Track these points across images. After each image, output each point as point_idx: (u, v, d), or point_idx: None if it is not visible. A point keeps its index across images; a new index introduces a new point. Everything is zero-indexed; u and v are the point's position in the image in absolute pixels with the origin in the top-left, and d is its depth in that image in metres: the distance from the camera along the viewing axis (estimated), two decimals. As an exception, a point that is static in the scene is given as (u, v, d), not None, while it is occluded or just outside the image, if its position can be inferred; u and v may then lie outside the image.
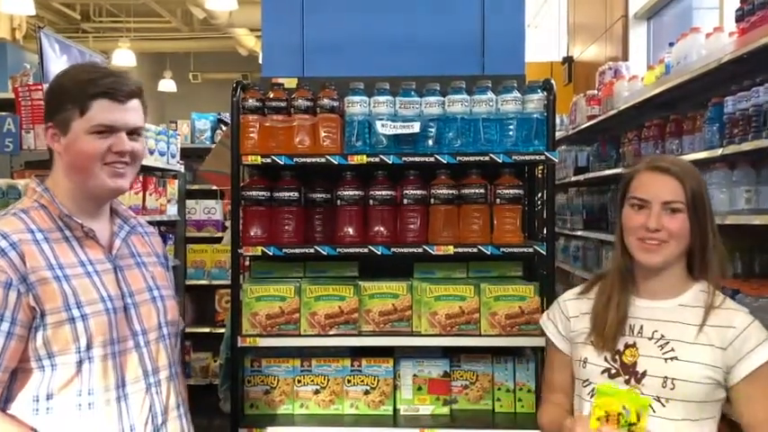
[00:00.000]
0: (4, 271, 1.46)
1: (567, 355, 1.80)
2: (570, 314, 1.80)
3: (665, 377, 1.59)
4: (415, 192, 2.64)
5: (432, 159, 2.54)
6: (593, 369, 1.68)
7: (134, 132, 1.62)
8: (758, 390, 1.57)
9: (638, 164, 1.72)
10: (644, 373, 1.61)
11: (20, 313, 1.47)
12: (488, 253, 2.54)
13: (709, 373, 1.58)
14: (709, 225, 1.63)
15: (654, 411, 1.58)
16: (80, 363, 1.50)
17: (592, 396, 1.65)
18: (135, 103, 1.61)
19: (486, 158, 2.53)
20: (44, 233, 1.55)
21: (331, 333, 2.60)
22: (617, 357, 1.65)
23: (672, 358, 1.60)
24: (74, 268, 1.54)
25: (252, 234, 2.65)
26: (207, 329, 5.58)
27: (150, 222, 1.91)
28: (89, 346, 1.51)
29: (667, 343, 1.62)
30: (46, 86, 3.55)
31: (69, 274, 1.53)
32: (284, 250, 2.58)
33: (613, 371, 1.65)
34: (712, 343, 1.59)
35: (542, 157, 2.55)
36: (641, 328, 1.66)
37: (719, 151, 3.16)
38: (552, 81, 2.61)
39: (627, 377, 1.63)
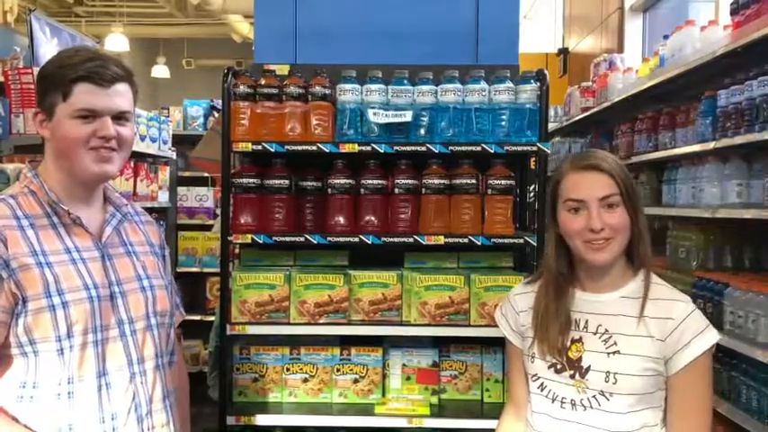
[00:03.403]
0: None
1: (521, 349, 1.80)
2: (519, 309, 1.80)
3: (608, 371, 1.59)
4: (406, 181, 2.63)
5: (423, 149, 2.52)
6: (541, 364, 1.69)
7: (121, 117, 1.59)
8: (693, 380, 1.58)
9: (563, 166, 1.70)
10: (588, 368, 1.62)
11: (1, 299, 1.46)
12: (479, 243, 2.53)
13: (649, 365, 1.59)
14: (641, 214, 1.63)
15: (600, 405, 1.60)
16: (61, 351, 1.49)
17: (541, 390, 1.68)
18: (120, 87, 1.58)
19: (479, 148, 2.52)
20: (30, 219, 1.53)
21: (320, 322, 2.60)
22: (563, 353, 1.65)
23: (614, 352, 1.60)
24: (58, 255, 1.53)
25: (242, 221, 2.64)
26: (198, 317, 5.57)
27: (143, 210, 1.88)
28: (69, 334, 1.49)
29: (610, 337, 1.62)
30: (36, 70, 3.54)
31: (52, 260, 1.51)
32: (274, 238, 2.57)
33: (559, 366, 1.66)
34: (652, 334, 1.59)
35: (534, 148, 2.54)
36: (587, 322, 1.66)
37: (712, 145, 3.16)
38: (545, 72, 2.60)
39: (572, 372, 1.64)
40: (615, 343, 1.61)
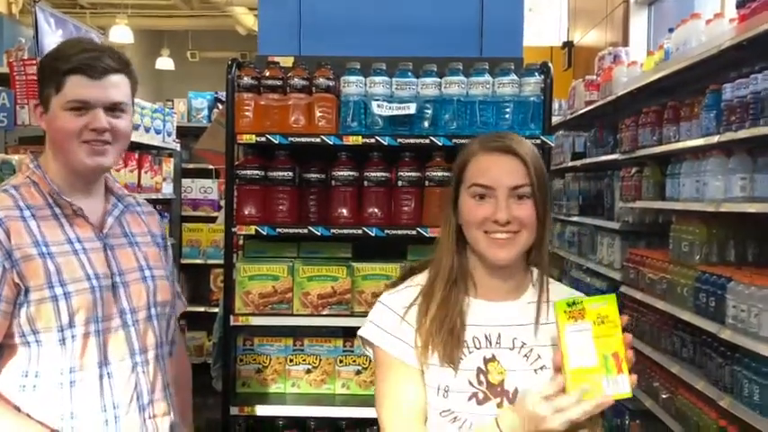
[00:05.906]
0: None
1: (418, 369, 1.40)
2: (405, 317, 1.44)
3: None
4: (409, 173, 2.63)
5: (427, 141, 2.53)
6: (458, 397, 1.37)
7: (115, 109, 1.57)
8: None
9: (472, 145, 1.45)
10: (516, 391, 1.36)
11: (4, 289, 1.48)
12: (482, 236, 2.54)
13: None
14: (550, 213, 1.44)
15: None
16: (63, 340, 1.50)
17: (460, 428, 1.36)
18: (114, 78, 1.57)
19: (482, 141, 2.52)
20: (32, 210, 1.54)
21: (323, 313, 2.61)
22: (482, 378, 1.37)
23: (541, 367, 1.38)
24: (60, 246, 1.54)
25: (246, 213, 2.65)
26: (202, 308, 5.58)
27: (145, 200, 1.90)
28: (71, 324, 1.50)
29: (531, 351, 1.39)
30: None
31: (54, 251, 1.52)
32: (278, 230, 2.58)
33: (481, 395, 1.37)
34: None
35: (538, 141, 2.54)
36: (498, 336, 1.40)
37: (716, 138, 3.15)
38: (549, 64, 2.60)
39: (498, 399, 1.37)
40: (539, 356, 1.38)
